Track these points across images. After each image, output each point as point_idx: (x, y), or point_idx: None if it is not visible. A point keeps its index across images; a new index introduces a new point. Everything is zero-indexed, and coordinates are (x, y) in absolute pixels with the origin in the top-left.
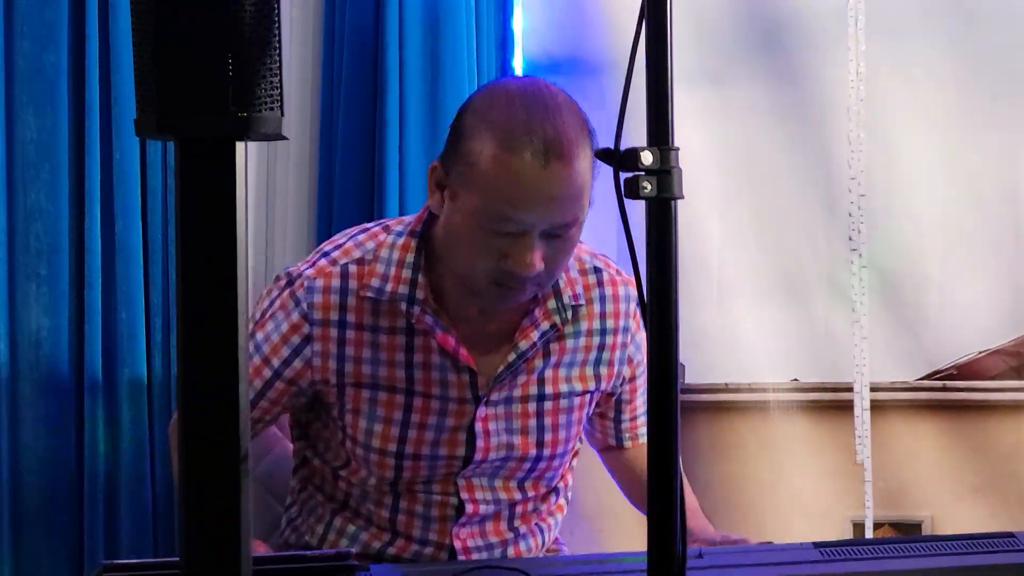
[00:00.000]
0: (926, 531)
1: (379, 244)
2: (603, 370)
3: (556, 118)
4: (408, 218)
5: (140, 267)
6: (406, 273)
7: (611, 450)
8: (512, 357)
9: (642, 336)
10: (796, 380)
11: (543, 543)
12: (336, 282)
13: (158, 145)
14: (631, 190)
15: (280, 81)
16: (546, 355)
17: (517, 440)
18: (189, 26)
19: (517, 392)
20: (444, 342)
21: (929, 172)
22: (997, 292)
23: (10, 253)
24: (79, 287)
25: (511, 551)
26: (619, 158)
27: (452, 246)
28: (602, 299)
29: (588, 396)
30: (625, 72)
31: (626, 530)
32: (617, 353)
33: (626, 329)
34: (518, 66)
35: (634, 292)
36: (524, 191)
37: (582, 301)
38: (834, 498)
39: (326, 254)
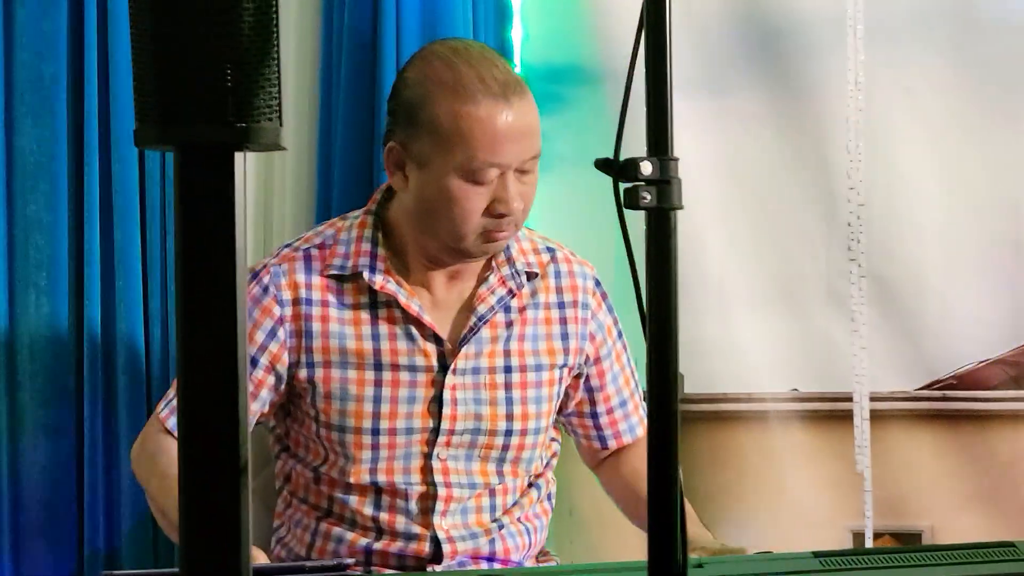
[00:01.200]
0: (926, 541)
1: (337, 230)
2: (567, 344)
3: (495, 62)
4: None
5: (139, 277)
6: (366, 247)
7: (603, 464)
8: (473, 320)
9: (606, 318)
10: (796, 390)
11: (530, 543)
12: (300, 264)
13: (157, 156)
14: (630, 200)
15: (279, 91)
16: (509, 326)
17: (486, 411)
18: (188, 36)
19: (484, 363)
20: (407, 308)
21: (929, 182)
22: (997, 302)
23: (9, 263)
24: (78, 298)
25: (499, 546)
26: (618, 168)
27: (432, 212)
28: (557, 275)
29: (557, 372)
30: (623, 81)
31: (626, 539)
32: (579, 327)
33: (585, 305)
34: None
35: (590, 272)
36: (497, 134)
37: (536, 270)
38: (834, 507)
39: (288, 245)
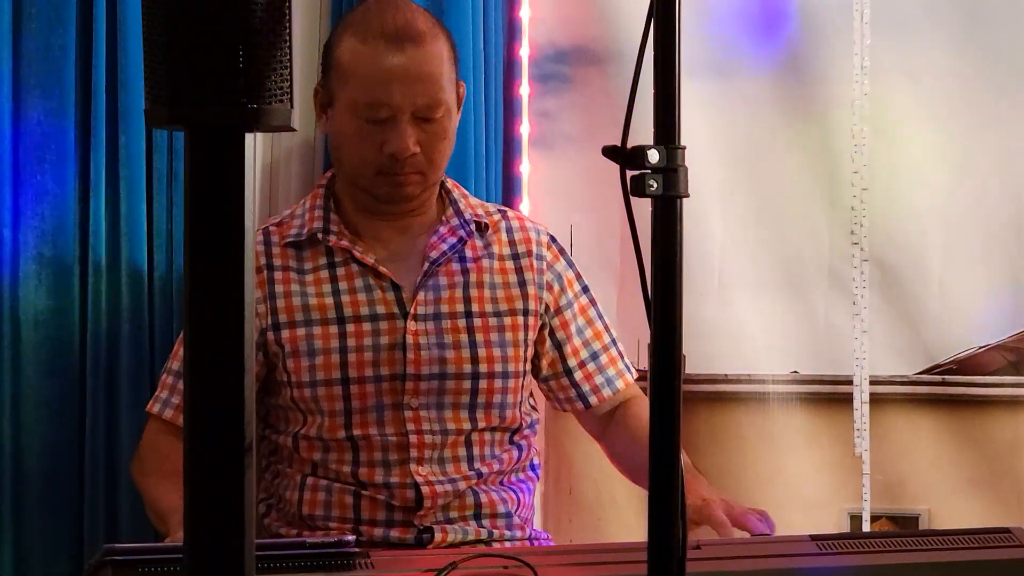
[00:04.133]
0: (923, 524)
1: (292, 208)
2: (525, 290)
3: (406, 12)
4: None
5: (144, 249)
6: (318, 213)
7: (605, 432)
8: (427, 266)
9: (565, 271)
10: (796, 372)
11: (518, 502)
12: (260, 237)
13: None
14: (637, 188)
15: (290, 73)
16: (464, 273)
17: (450, 355)
18: (200, 17)
19: (444, 308)
20: (363, 259)
21: (932, 167)
22: (997, 288)
23: (15, 233)
24: (83, 268)
25: (483, 499)
26: (625, 155)
27: (339, 150)
28: (509, 229)
29: (520, 319)
30: (631, 62)
31: (625, 519)
32: (535, 276)
33: (540, 256)
34: (524, 56)
35: (544, 230)
36: (384, 74)
37: (485, 220)
38: (832, 490)
39: None
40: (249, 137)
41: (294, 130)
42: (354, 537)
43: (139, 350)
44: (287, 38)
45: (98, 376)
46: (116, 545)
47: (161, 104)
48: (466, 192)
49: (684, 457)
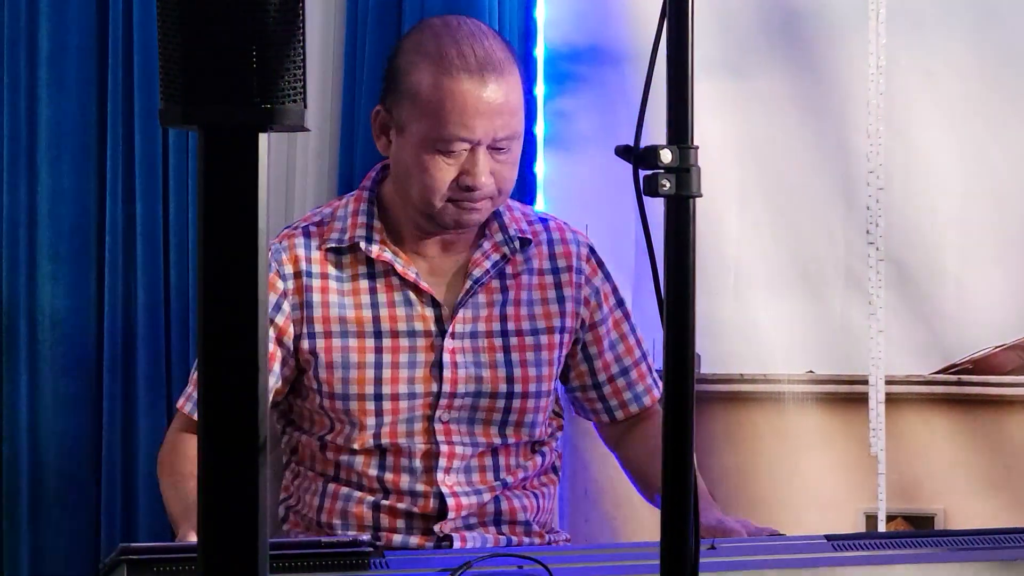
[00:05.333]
0: (939, 524)
1: (334, 208)
2: (563, 307)
3: (484, 41)
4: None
5: (160, 248)
6: (362, 219)
7: (620, 443)
8: (468, 284)
9: (603, 284)
10: (811, 372)
11: (538, 507)
12: (300, 239)
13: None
14: (650, 188)
15: (303, 74)
16: (504, 290)
17: (486, 373)
18: (214, 18)
19: (481, 327)
20: (404, 275)
21: (948, 166)
22: (1014, 287)
23: (32, 232)
24: (100, 267)
25: (504, 506)
26: (638, 155)
27: (406, 178)
28: (550, 242)
29: (556, 336)
30: (646, 62)
31: (640, 519)
32: (573, 291)
33: (579, 271)
34: (540, 56)
35: (584, 240)
36: (468, 109)
37: (528, 235)
38: (847, 490)
39: (288, 226)
40: (263, 137)
41: (307, 130)
42: (369, 536)
43: (155, 349)
44: (300, 38)
45: (115, 374)
46: (131, 544)
47: (175, 103)
48: (511, 204)
49: (701, 483)
